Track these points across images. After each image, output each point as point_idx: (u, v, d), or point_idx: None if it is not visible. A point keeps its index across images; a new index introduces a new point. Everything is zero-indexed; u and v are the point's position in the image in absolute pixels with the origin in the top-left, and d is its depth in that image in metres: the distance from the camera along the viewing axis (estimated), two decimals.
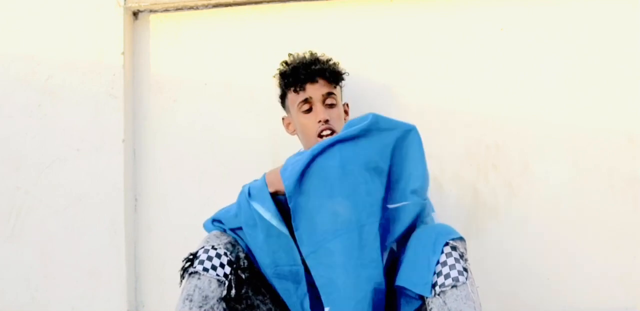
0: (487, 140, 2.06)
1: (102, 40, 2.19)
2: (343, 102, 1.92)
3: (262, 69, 2.16)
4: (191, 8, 2.21)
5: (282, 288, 1.57)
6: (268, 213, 1.53)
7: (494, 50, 2.08)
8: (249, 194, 1.59)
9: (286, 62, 1.87)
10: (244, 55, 2.18)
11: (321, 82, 1.79)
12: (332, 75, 1.81)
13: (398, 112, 2.08)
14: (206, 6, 2.20)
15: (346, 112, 1.88)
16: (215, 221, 1.69)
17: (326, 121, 1.73)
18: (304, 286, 1.53)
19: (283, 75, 1.85)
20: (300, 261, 1.53)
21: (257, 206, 1.55)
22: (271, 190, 1.57)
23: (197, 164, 2.17)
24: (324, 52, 1.89)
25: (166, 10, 2.23)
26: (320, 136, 1.72)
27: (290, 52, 1.89)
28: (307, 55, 1.86)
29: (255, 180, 1.66)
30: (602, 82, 2.02)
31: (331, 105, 1.78)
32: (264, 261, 1.56)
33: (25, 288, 2.16)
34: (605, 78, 2.02)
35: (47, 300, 2.15)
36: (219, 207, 1.80)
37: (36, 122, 2.20)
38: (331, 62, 1.85)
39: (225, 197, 2.10)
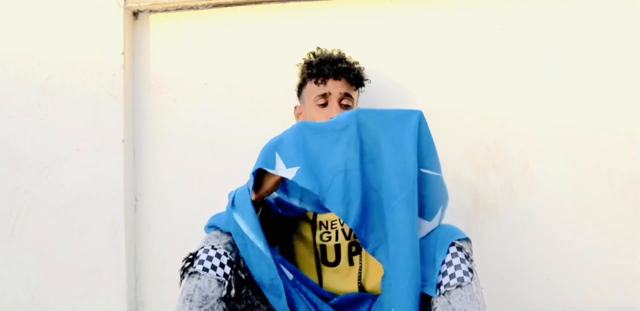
0: (487, 140, 2.06)
1: (102, 40, 2.19)
2: (358, 107, 1.91)
3: (262, 69, 2.16)
4: (191, 8, 2.21)
5: (269, 297, 1.56)
6: (247, 227, 1.50)
7: (494, 50, 2.07)
8: (233, 203, 1.56)
9: (314, 54, 1.89)
10: (244, 55, 2.18)
11: (344, 81, 1.81)
12: (356, 77, 1.84)
13: None
14: (206, 6, 2.20)
15: None
16: (212, 227, 1.69)
17: None
18: (284, 301, 1.51)
19: (309, 65, 1.86)
20: (278, 276, 1.50)
21: (237, 217, 1.52)
22: (255, 197, 1.54)
23: (197, 164, 2.17)
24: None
25: (166, 10, 2.23)
26: None
27: (319, 46, 1.91)
28: (336, 53, 1.89)
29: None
30: (602, 82, 2.02)
31: (346, 106, 1.80)
32: (251, 269, 1.55)
33: (25, 288, 2.16)
34: (605, 78, 2.02)
35: (47, 300, 2.15)
36: (219, 207, 1.80)
37: (36, 122, 2.20)
38: (357, 65, 1.88)
39: (225, 197, 2.10)
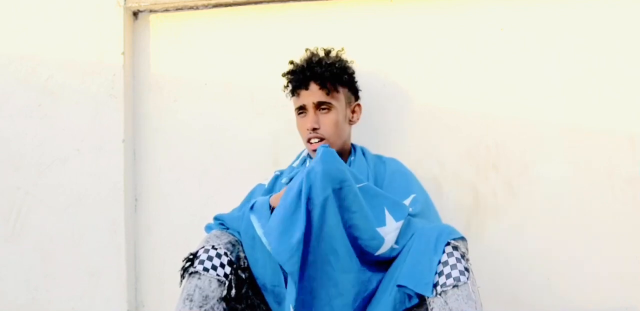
0: (487, 140, 2.06)
1: (102, 40, 2.19)
2: (356, 102, 1.88)
3: (262, 69, 2.16)
4: (191, 8, 2.21)
5: (269, 300, 1.57)
6: (262, 230, 1.53)
7: (494, 50, 2.07)
8: (252, 206, 1.59)
9: (292, 62, 1.86)
10: (244, 55, 2.18)
11: (314, 88, 1.77)
12: (329, 79, 1.77)
13: (397, 112, 2.09)
14: (206, 6, 2.20)
15: (354, 112, 1.86)
16: (218, 220, 1.69)
17: (314, 129, 1.74)
18: (283, 308, 1.53)
19: (285, 77, 1.86)
20: (283, 283, 1.52)
21: (254, 219, 1.55)
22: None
23: (197, 164, 2.17)
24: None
25: (166, 10, 2.23)
26: (309, 142, 1.75)
27: (308, 47, 1.88)
28: (311, 56, 1.83)
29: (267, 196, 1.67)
30: (602, 82, 2.02)
31: (325, 110, 1.77)
32: (255, 271, 1.57)
33: (25, 288, 2.16)
34: (605, 78, 2.02)
35: (47, 300, 2.15)
36: (219, 207, 1.81)
37: (36, 122, 2.20)
38: (332, 66, 1.79)
39: (226, 197, 2.11)
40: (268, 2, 2.17)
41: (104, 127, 2.17)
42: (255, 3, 2.17)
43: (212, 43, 2.21)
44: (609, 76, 2.02)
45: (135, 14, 2.25)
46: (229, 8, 2.20)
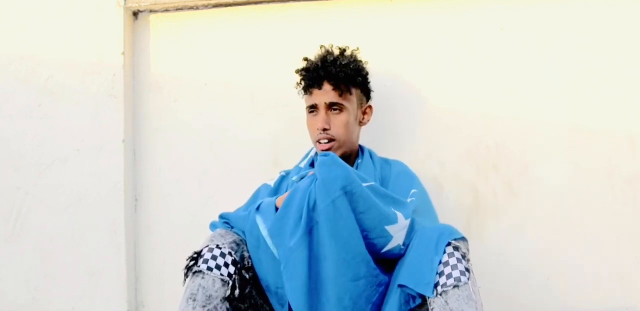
0: (487, 140, 2.06)
1: (102, 40, 2.19)
2: (367, 104, 1.86)
3: (262, 69, 2.16)
4: (191, 8, 2.21)
5: (272, 301, 1.58)
6: (266, 231, 1.53)
7: (494, 50, 2.07)
8: (258, 207, 1.59)
9: (306, 59, 1.84)
10: (244, 55, 2.18)
11: (327, 87, 1.75)
12: (343, 80, 1.75)
13: (398, 112, 2.09)
14: (206, 6, 2.20)
15: (365, 113, 1.85)
16: (223, 219, 1.69)
17: (324, 129, 1.73)
18: (286, 310, 1.53)
19: (299, 74, 1.84)
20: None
21: (259, 220, 1.55)
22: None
23: (198, 164, 2.17)
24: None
25: (166, 10, 2.23)
26: (318, 142, 1.75)
27: (322, 44, 1.85)
28: (326, 54, 1.80)
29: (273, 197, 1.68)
30: (602, 82, 2.02)
31: (336, 110, 1.76)
32: (258, 272, 1.57)
33: (25, 288, 2.16)
34: (605, 78, 2.02)
35: (47, 300, 2.15)
36: (219, 207, 1.80)
37: (36, 122, 2.20)
38: (347, 66, 1.76)
39: (226, 197, 2.11)
40: (268, 2, 2.17)
41: (104, 127, 2.17)
42: (255, 3, 2.17)
43: (212, 43, 2.21)
44: (609, 76, 2.02)
45: (135, 14, 2.25)
46: (229, 8, 2.20)
